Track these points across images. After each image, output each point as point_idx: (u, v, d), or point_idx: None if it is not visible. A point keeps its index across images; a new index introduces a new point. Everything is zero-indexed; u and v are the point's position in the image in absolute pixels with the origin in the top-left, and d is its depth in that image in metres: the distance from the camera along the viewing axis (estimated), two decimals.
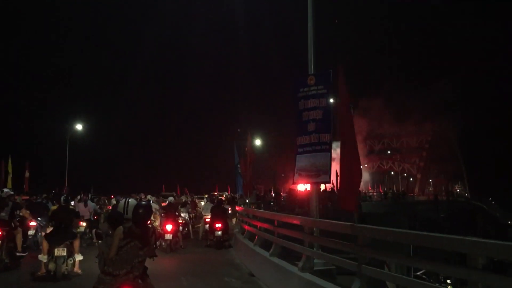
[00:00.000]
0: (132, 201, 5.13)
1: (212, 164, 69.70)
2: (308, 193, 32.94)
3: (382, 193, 50.11)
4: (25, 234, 11.16)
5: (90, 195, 17.03)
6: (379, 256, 5.23)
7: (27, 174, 23.65)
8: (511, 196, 46.42)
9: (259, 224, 10.88)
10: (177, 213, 14.60)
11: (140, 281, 4.72)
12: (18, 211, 10.79)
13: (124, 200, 5.21)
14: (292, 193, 31.52)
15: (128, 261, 4.65)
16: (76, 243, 9.22)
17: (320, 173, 7.63)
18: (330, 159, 7.57)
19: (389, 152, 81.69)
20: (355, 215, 5.72)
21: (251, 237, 11.78)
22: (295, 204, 27.55)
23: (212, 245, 14.14)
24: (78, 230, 12.77)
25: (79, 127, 44.03)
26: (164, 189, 43.82)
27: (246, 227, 12.27)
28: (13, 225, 10.18)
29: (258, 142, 56.43)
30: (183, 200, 21.57)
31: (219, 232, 13.81)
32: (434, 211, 37.10)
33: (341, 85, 6.39)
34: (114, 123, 71.32)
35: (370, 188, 61.89)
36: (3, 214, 9.98)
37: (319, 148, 7.67)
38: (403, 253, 5.28)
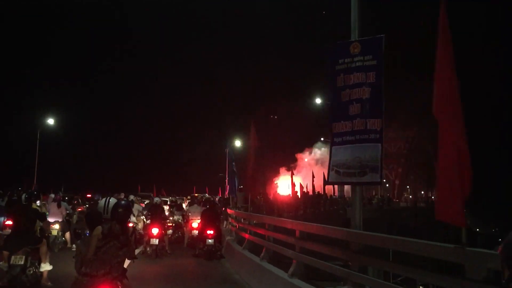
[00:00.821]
0: (112, 200, 5.03)
1: (190, 165, 67.32)
2: (290, 199, 31.74)
3: (367, 200, 48.73)
4: None
5: (60, 194, 14.76)
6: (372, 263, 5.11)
7: None
8: (481, 203, 46.49)
9: (267, 233, 8.85)
10: (162, 215, 13.26)
11: (118, 282, 4.60)
12: None
13: (105, 199, 5.08)
14: (267, 197, 29.60)
15: (106, 262, 4.54)
16: (42, 250, 7.87)
17: (366, 170, 5.74)
18: (381, 152, 5.69)
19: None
20: (462, 231, 3.82)
21: (253, 247, 9.87)
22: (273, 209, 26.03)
23: (201, 254, 12.12)
24: (51, 233, 12.07)
25: (50, 121, 41.75)
26: (139, 189, 41.86)
27: (247, 236, 10.23)
28: None
29: (238, 143, 55.28)
30: (179, 202, 19.75)
31: (211, 240, 11.78)
32: (413, 218, 36.91)
33: None
34: (88, 119, 67.79)
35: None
36: None
37: (366, 137, 5.81)
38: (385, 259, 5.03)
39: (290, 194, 36.93)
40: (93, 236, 4.64)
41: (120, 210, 4.87)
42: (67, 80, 70.67)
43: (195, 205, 15.25)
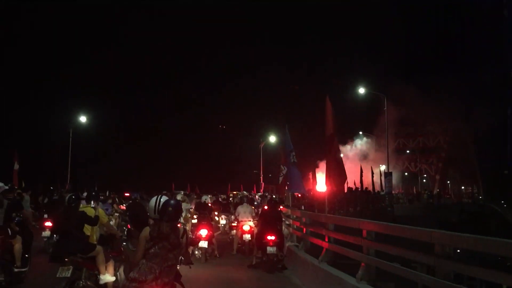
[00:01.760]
0: (164, 198, 4.75)
1: (223, 162, 65.61)
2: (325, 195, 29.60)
3: (415, 195, 46.00)
4: (28, 242, 8.28)
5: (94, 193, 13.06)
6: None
7: (16, 166, 19.51)
8: None
9: (366, 244, 6.61)
10: (211, 216, 12.33)
11: None
12: (18, 213, 8.46)
13: (155, 197, 4.84)
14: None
15: (156, 266, 4.14)
16: (99, 259, 6.72)
17: None
18: None
19: (408, 151, 78.13)
20: None
21: (331, 259, 7.82)
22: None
23: (259, 265, 10.18)
24: None
25: (83, 119, 40.81)
26: (173, 187, 40.74)
27: (326, 244, 8.08)
28: (9, 231, 7.71)
29: (273, 139, 53.21)
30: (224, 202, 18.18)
31: (273, 248, 9.79)
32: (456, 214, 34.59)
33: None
34: (121, 117, 66.71)
35: (401, 189, 58.08)
36: None
37: None
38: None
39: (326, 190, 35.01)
40: (141, 238, 4.35)
41: (170, 209, 4.42)
42: (98, 79, 69.97)
43: (245, 204, 13.32)
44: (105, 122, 54.53)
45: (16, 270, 7.76)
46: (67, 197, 7.26)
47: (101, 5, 76.13)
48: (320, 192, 30.51)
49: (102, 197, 18.19)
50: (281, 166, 19.11)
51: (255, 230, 12.49)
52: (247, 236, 12.27)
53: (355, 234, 6.80)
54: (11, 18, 63.42)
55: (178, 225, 4.70)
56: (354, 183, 34.42)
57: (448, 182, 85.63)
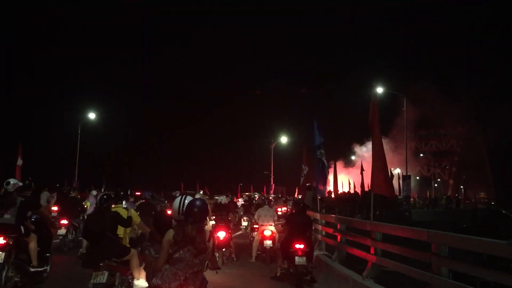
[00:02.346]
0: (188, 198, 4.34)
1: (232, 162, 64.49)
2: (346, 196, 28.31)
3: (432, 199, 44.48)
4: (44, 240, 7.93)
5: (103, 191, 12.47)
6: None
7: (19, 162, 18.44)
8: None
9: (438, 260, 5.35)
10: (229, 217, 12.14)
11: None
12: (34, 211, 7.98)
13: (180, 198, 4.40)
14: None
15: (180, 272, 3.83)
16: (133, 262, 6.44)
17: None
18: None
19: (421, 155, 76.52)
20: None
21: (378, 275, 6.56)
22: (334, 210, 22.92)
23: (285, 277, 8.97)
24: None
25: (91, 115, 39.94)
26: (182, 187, 39.83)
27: (373, 258, 6.79)
28: (22, 230, 7.38)
29: (284, 139, 52.01)
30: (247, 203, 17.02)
31: (302, 259, 8.53)
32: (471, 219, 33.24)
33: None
34: (129, 115, 65.78)
35: (415, 194, 56.57)
36: (6, 216, 7.30)
37: None
38: None
39: (344, 192, 33.85)
40: (164, 241, 4.00)
41: (195, 210, 4.03)
42: (109, 75, 69.29)
43: (267, 207, 12.14)
44: (113, 120, 53.66)
45: (32, 270, 7.39)
46: (98, 197, 6.83)
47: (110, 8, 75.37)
48: (339, 194, 29.38)
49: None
50: (302, 166, 17.92)
51: (277, 236, 11.33)
52: (268, 243, 11.11)
53: (411, 246, 5.59)
54: (24, 19, 62.69)
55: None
56: (369, 186, 33.14)
57: (462, 187, 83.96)
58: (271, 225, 11.33)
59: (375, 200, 8.52)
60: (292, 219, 9.24)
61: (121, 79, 74.55)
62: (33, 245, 7.45)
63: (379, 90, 34.10)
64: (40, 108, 55.52)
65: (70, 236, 12.12)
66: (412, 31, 71.54)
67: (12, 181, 7.71)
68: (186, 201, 4.25)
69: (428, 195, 59.73)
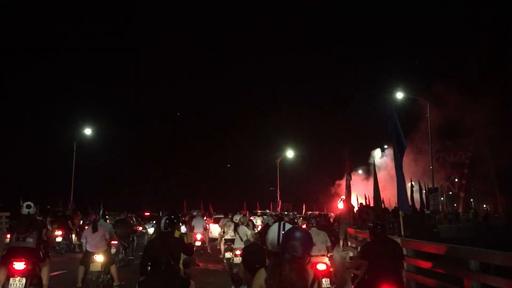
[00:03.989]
0: (288, 225, 3.86)
1: (236, 179, 61.54)
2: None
3: (455, 213, 41.65)
4: None
5: (98, 212, 12.04)
6: None
7: None
8: None
9: None
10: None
11: None
12: (44, 232, 7.84)
13: (278, 224, 3.97)
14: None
15: None
16: None
17: None
18: None
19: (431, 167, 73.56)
20: None
21: None
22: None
23: None
24: (91, 269, 9.33)
25: (87, 131, 37.26)
26: (185, 205, 36.99)
27: None
28: (41, 254, 7.45)
29: (290, 154, 49.36)
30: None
31: None
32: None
33: None
34: (127, 132, 62.81)
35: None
36: (29, 240, 7.26)
37: None
38: None
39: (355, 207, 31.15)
40: (254, 285, 3.29)
41: (295, 242, 3.22)
42: (107, 91, 66.75)
43: (315, 229, 8.93)
44: (111, 137, 50.86)
45: None
46: (162, 221, 6.12)
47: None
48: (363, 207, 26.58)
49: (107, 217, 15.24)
50: (346, 176, 15.26)
51: (334, 270, 8.50)
52: (326, 282, 8.12)
53: None
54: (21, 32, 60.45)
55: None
56: (389, 201, 30.66)
57: (472, 200, 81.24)
58: (324, 255, 8.40)
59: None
60: (372, 251, 6.44)
61: (120, 94, 71.92)
62: (46, 270, 7.66)
63: (400, 95, 31.69)
64: (32, 123, 52.72)
65: (120, 256, 12.75)
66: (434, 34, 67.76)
67: (26, 206, 7.65)
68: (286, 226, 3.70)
69: (441, 208, 56.89)
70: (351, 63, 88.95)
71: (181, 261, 6.11)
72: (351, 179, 14.34)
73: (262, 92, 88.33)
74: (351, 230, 12.05)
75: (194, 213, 19.00)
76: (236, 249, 10.65)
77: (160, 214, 17.39)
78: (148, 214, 18.69)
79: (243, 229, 11.03)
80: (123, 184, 50.93)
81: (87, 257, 9.31)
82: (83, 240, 9.69)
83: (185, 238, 6.59)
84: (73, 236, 17.49)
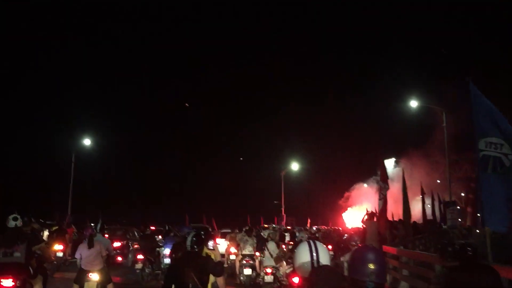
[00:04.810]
0: (321, 246, 3.33)
1: (238, 192, 59.77)
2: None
3: (469, 228, 39.71)
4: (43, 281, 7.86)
5: (99, 225, 10.52)
6: None
7: None
8: None
9: None
10: None
11: None
12: (36, 247, 7.83)
13: (308, 243, 3.37)
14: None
15: None
16: None
17: None
18: None
19: (438, 181, 72.11)
20: None
21: None
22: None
23: None
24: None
25: (87, 142, 35.91)
26: (187, 219, 34.99)
27: None
28: (31, 270, 7.19)
29: (295, 166, 47.86)
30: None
31: None
32: None
33: None
34: (129, 142, 60.85)
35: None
36: (17, 254, 6.94)
37: None
38: None
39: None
40: None
41: (374, 266, 2.82)
42: (108, 100, 65.31)
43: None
44: (111, 148, 49.22)
45: None
46: (188, 239, 5.45)
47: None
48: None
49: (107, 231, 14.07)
50: (380, 183, 13.58)
51: None
52: None
53: None
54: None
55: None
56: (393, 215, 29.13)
57: (478, 214, 79.58)
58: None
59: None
60: (458, 281, 4.86)
61: (122, 104, 70.22)
62: (39, 287, 7.44)
63: (414, 103, 30.28)
64: (28, 133, 51.10)
65: (147, 270, 13.10)
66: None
67: (12, 218, 7.41)
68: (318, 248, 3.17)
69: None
70: (359, 70, 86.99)
71: (209, 284, 5.52)
72: (388, 188, 12.74)
73: (267, 104, 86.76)
74: (390, 249, 10.51)
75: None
76: (266, 266, 10.26)
77: (166, 228, 16.31)
78: (154, 228, 17.34)
79: (272, 245, 10.51)
80: (122, 197, 49.09)
81: (82, 275, 8.68)
82: (77, 256, 8.93)
83: (212, 255, 5.87)
84: (69, 250, 16.57)
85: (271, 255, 10.21)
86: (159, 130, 66.20)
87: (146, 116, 70.86)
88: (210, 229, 18.85)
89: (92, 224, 16.65)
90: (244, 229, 14.23)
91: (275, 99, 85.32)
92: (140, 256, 13.00)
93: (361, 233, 13.96)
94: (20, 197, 34.50)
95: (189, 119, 73.51)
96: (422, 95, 31.81)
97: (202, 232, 5.58)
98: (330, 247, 18.19)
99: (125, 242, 17.09)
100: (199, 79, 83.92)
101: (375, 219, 13.28)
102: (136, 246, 17.45)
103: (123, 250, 15.96)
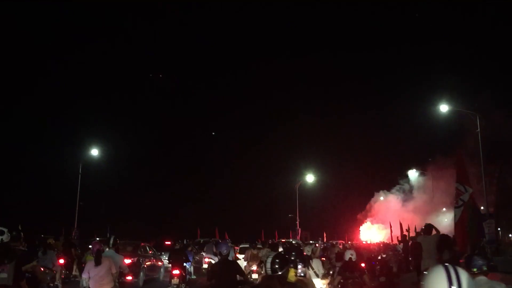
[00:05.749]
0: (463, 274, 2.68)
1: (252, 205, 57.61)
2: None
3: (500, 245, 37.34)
4: None
5: (111, 240, 9.54)
6: None
7: None
8: None
9: None
10: None
11: None
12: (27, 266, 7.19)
13: (446, 269, 2.73)
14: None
15: None
16: None
17: None
18: None
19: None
20: None
21: None
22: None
23: None
24: None
25: (94, 152, 34.31)
26: (199, 233, 33.93)
27: None
28: None
29: (310, 178, 45.90)
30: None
31: None
32: None
33: None
34: (138, 152, 58.89)
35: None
36: (3, 275, 6.24)
37: None
38: None
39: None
40: None
41: None
42: (113, 110, 63.59)
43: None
44: (119, 158, 47.35)
45: None
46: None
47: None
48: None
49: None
50: (462, 186, 11.29)
51: None
52: None
53: None
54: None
55: None
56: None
57: (499, 228, 76.82)
58: None
59: None
60: None
61: (128, 112, 68.10)
62: None
63: (444, 108, 28.20)
64: (34, 143, 49.45)
65: (182, 286, 13.12)
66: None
67: (5, 230, 6.76)
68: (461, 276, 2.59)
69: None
70: (377, 78, 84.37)
71: None
72: (472, 190, 10.71)
73: (281, 115, 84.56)
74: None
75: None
76: None
77: (185, 242, 15.02)
78: (170, 243, 15.79)
79: (317, 262, 9.32)
80: (131, 209, 47.14)
81: None
82: (84, 276, 8.13)
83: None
84: (74, 266, 15.42)
85: (317, 275, 9.00)
86: (172, 142, 64.03)
87: (158, 127, 68.93)
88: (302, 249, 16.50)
89: (98, 239, 15.20)
90: (268, 243, 13.24)
91: (289, 111, 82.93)
92: (176, 272, 12.95)
93: (411, 250, 11.99)
94: (21, 211, 32.86)
95: (201, 131, 71.68)
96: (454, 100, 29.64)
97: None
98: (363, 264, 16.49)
99: (136, 259, 15.13)
100: (211, 90, 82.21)
101: (434, 232, 11.19)
102: (148, 263, 16.01)
103: (133, 268, 13.96)
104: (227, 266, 7.13)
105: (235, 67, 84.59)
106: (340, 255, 11.77)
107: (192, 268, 16.59)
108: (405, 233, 25.57)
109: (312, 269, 9.17)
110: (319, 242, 25.69)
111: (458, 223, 10.75)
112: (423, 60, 75.69)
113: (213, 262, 15.35)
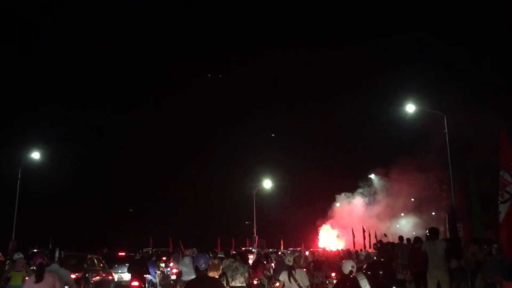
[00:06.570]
0: None
1: (205, 213, 55.29)
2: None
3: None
4: None
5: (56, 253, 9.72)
6: None
7: None
8: None
9: None
10: None
11: None
12: None
13: None
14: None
15: None
16: None
17: None
18: None
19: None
20: None
21: None
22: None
23: None
24: None
25: (35, 155, 31.20)
26: (151, 242, 31.80)
27: None
28: None
29: (268, 184, 44.50)
30: None
31: None
32: None
33: None
34: (79, 154, 54.52)
35: None
36: None
37: None
38: None
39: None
40: None
41: None
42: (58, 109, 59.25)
43: None
44: (61, 162, 43.70)
45: None
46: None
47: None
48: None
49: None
50: (505, 174, 9.58)
51: None
52: None
53: None
54: None
55: None
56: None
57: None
58: None
59: None
60: None
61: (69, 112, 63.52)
62: None
63: (410, 108, 27.33)
64: None
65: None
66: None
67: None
68: None
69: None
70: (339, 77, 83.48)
71: None
72: None
73: (234, 120, 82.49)
74: None
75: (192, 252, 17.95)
76: None
77: (150, 252, 13.53)
78: (124, 254, 13.75)
79: (301, 273, 8.47)
80: (76, 218, 43.70)
81: None
82: None
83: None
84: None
85: (301, 287, 8.30)
86: (122, 145, 60.28)
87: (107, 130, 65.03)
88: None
89: (36, 250, 12.84)
90: (229, 253, 12.32)
91: (243, 115, 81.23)
92: (135, 283, 12.28)
93: (410, 257, 10.57)
94: None
95: (151, 132, 68.26)
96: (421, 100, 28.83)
97: None
98: (333, 274, 14.99)
99: (81, 273, 12.86)
100: (161, 96, 79.10)
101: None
102: (96, 278, 13.85)
103: (79, 285, 11.74)
104: (207, 285, 5.72)
105: (197, 69, 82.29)
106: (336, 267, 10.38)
107: (157, 279, 15.74)
108: (382, 238, 24.34)
109: (295, 281, 8.33)
110: (302, 249, 25.10)
111: (503, 222, 9.03)
112: (388, 58, 75.44)
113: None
